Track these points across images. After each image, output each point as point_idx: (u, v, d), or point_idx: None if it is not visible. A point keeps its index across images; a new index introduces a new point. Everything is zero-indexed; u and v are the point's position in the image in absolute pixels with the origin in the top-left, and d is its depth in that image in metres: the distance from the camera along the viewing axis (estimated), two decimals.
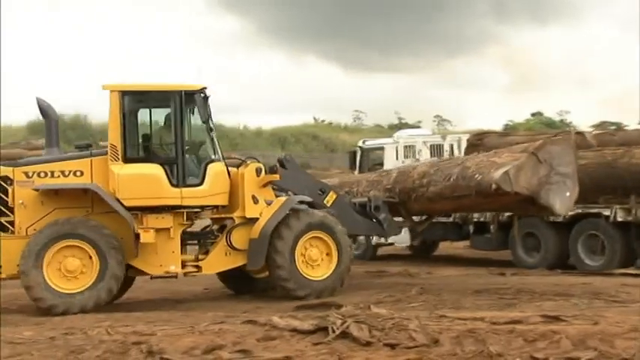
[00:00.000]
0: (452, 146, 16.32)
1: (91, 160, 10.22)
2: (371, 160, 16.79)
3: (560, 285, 10.15)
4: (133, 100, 10.44)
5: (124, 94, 10.26)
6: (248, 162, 10.90)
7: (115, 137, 10.15)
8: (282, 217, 10.36)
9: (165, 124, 10.57)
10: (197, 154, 10.55)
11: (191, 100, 10.31)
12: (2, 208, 9.90)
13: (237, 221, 10.54)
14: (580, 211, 12.68)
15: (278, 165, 11.14)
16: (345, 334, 6.68)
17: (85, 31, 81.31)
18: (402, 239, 15.61)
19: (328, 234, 10.51)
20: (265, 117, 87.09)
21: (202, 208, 10.63)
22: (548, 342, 6.43)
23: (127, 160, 10.13)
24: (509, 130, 32.56)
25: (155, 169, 10.13)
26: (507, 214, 14.00)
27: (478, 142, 15.11)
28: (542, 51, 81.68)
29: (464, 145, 15.68)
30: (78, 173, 10.15)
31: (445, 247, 16.74)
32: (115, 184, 9.93)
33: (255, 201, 10.53)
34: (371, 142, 17.47)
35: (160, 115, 10.75)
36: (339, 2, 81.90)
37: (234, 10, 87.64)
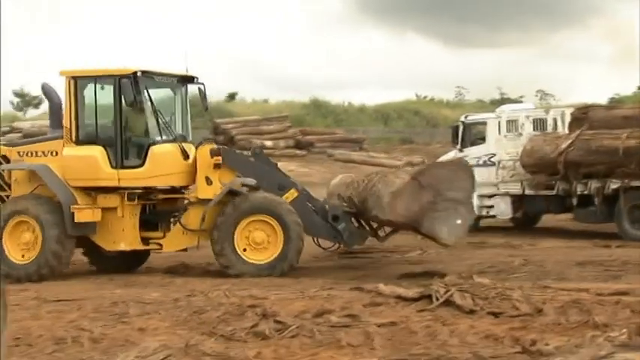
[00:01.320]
0: (555, 120, 15.75)
1: (63, 142, 10.41)
2: (473, 135, 16.45)
3: None
4: (81, 84, 10.41)
5: (73, 78, 10.36)
6: (204, 143, 10.64)
7: (67, 120, 10.35)
8: (221, 199, 10.03)
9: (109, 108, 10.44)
10: (142, 137, 10.38)
11: (133, 84, 10.05)
12: (2, 184, 10.57)
13: (192, 201, 10.33)
14: None
15: (251, 153, 11.00)
16: (448, 302, 6.66)
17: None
18: (503, 212, 15.32)
19: (271, 216, 9.90)
20: (369, 94, 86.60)
21: (145, 189, 10.28)
22: None
23: (78, 142, 10.29)
24: (615, 103, 31.08)
25: (96, 152, 10.16)
26: (613, 186, 13.48)
27: (583, 115, 14.51)
28: None
29: (567, 119, 15.12)
30: (54, 153, 10.46)
31: (548, 220, 16.26)
32: (61, 165, 10.22)
33: (209, 182, 10.18)
34: (473, 117, 17.09)
35: (107, 99, 10.52)
36: None
37: None
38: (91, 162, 10.10)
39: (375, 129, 39.72)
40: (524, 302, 6.62)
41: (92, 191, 10.24)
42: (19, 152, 10.65)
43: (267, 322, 6.18)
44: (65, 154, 10.29)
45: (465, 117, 17.01)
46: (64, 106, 10.49)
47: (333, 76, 74.23)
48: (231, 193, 10.07)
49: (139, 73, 10.05)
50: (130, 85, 9.95)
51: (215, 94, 41.30)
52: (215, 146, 10.42)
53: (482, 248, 12.71)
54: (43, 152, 10.51)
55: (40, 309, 7.28)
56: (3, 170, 10.56)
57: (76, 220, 9.91)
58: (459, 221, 8.39)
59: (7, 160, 10.63)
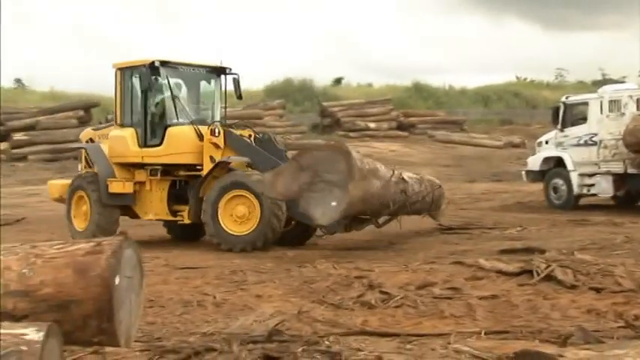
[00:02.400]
0: None
1: (114, 126, 11.25)
2: (574, 115, 15.90)
3: None
4: (123, 74, 11.01)
5: (119, 69, 11.02)
6: (213, 125, 10.69)
7: (115, 106, 11.15)
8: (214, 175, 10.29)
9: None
10: (161, 120, 10.77)
11: (152, 72, 10.52)
12: (90, 161, 11.41)
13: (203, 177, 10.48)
14: None
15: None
16: (549, 277, 6.51)
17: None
18: (605, 190, 14.79)
19: (249, 192, 9.88)
20: (469, 77, 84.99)
21: (164, 165, 10.66)
22: None
23: (122, 125, 10.98)
24: None
25: (128, 133, 10.77)
26: None
27: None
28: None
29: None
30: (108, 135, 11.16)
31: None
32: (108, 145, 10.97)
33: (212, 160, 10.33)
34: (574, 98, 16.48)
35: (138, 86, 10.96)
36: None
37: None
38: (123, 142, 10.76)
39: (475, 111, 38.92)
40: (627, 278, 6.38)
41: (130, 167, 10.90)
42: (98, 136, 11.69)
43: (372, 293, 6.22)
44: (111, 135, 11.06)
45: (566, 98, 16.45)
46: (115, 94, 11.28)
47: (433, 60, 73.32)
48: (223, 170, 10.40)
49: (156, 63, 10.55)
50: (147, 74, 10.49)
51: (323, 79, 41.79)
52: (215, 127, 10.51)
53: (583, 225, 12.26)
54: (107, 135, 11.33)
55: (170, 275, 7.59)
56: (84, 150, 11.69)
57: (109, 191, 10.66)
58: (334, 203, 7.94)
59: (93, 142, 11.66)
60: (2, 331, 2.81)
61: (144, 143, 10.72)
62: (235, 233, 9.89)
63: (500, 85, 43.75)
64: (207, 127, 10.61)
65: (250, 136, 10.83)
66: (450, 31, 78.69)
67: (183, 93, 11.18)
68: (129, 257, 3.43)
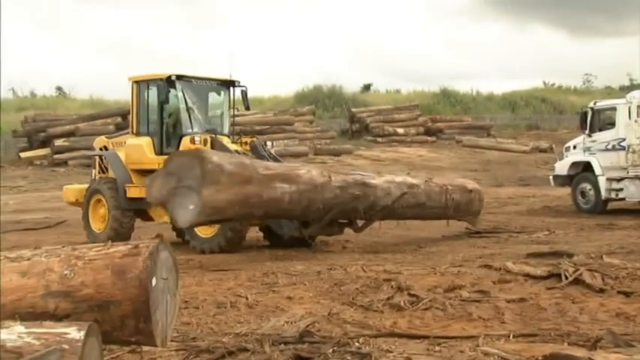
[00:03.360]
0: None
1: (130, 135, 11.55)
2: (601, 120, 15.68)
3: None
4: (139, 87, 11.38)
5: (135, 82, 11.41)
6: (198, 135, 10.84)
7: (131, 116, 11.52)
8: None
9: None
10: (176, 130, 11.06)
11: (169, 85, 10.82)
12: (105, 167, 11.80)
13: None
14: None
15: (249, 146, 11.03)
16: (577, 281, 6.42)
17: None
18: (633, 194, 14.56)
19: None
20: (496, 82, 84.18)
21: None
22: None
23: (138, 134, 11.31)
24: None
25: (144, 141, 11.11)
26: None
27: None
28: None
29: None
30: (125, 143, 11.45)
31: None
32: (125, 152, 11.27)
33: None
34: (602, 103, 16.26)
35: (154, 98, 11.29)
36: None
37: None
38: (140, 149, 11.07)
39: (502, 116, 38.58)
40: None
41: (146, 173, 10.93)
42: (112, 143, 11.99)
43: (401, 295, 6.18)
44: (127, 143, 11.37)
45: (594, 103, 16.23)
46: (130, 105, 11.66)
47: (461, 66, 72.88)
48: None
49: (172, 77, 10.91)
50: (164, 87, 10.82)
51: (352, 86, 41.79)
52: (206, 137, 10.69)
53: (611, 230, 12.07)
54: (122, 142, 11.66)
55: (204, 277, 7.63)
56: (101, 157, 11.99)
57: (127, 196, 11.02)
58: (191, 207, 7.89)
59: (107, 149, 11.97)
60: (45, 330, 2.85)
61: (160, 151, 11.00)
62: (203, 236, 10.08)
63: (527, 90, 43.32)
64: (223, 136, 11.00)
65: (246, 143, 11.11)
66: (476, 38, 78.28)
67: (196, 104, 11.46)
68: (165, 259, 3.46)
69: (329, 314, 5.64)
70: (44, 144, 28.72)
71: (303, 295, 6.49)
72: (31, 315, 3.17)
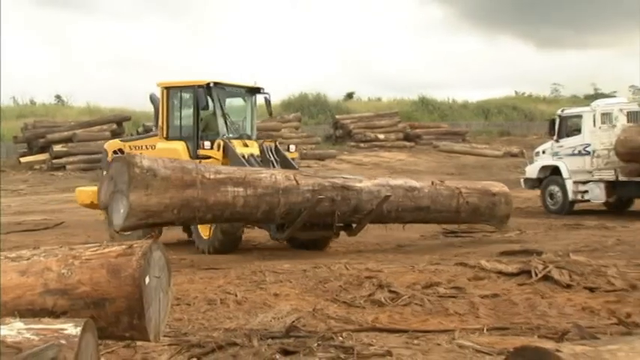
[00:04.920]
0: None
1: (158, 138, 11.32)
2: (568, 127, 15.79)
3: None
4: (171, 93, 11.18)
5: (166, 88, 11.16)
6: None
7: (161, 121, 11.21)
8: None
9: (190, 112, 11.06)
10: (212, 134, 10.88)
11: (207, 92, 10.66)
12: None
13: None
14: None
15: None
16: (546, 278, 6.45)
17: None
18: (597, 196, 14.68)
19: None
20: (471, 92, 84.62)
21: None
22: None
23: (168, 138, 11.10)
24: None
25: (179, 145, 10.86)
26: None
27: None
28: None
29: None
30: (152, 147, 11.23)
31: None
32: (155, 156, 10.59)
33: None
34: (569, 111, 16.38)
35: (188, 104, 11.16)
36: None
37: None
38: (175, 153, 10.67)
39: (476, 123, 38.77)
40: (618, 278, 6.32)
41: None
42: (129, 146, 11.70)
43: (382, 292, 6.19)
44: (158, 147, 11.06)
45: (562, 111, 16.37)
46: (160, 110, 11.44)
47: (438, 76, 73.13)
48: None
49: (211, 84, 10.76)
50: (204, 93, 10.66)
51: (335, 94, 41.78)
52: (218, 141, 10.52)
53: (577, 229, 12.16)
54: (146, 146, 11.40)
55: (195, 275, 7.59)
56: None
57: None
58: (121, 210, 7.64)
59: (122, 153, 11.55)
60: (43, 326, 2.82)
61: (195, 155, 10.75)
62: (204, 237, 9.98)
63: (499, 99, 43.58)
64: (252, 141, 10.88)
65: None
66: (452, 50, 78.63)
67: (229, 110, 11.40)
68: (157, 258, 3.44)
69: (314, 310, 5.64)
70: (43, 149, 28.49)
71: (289, 292, 6.47)
72: (30, 312, 3.14)
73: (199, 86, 10.73)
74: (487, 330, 4.94)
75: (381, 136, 33.20)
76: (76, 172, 26.93)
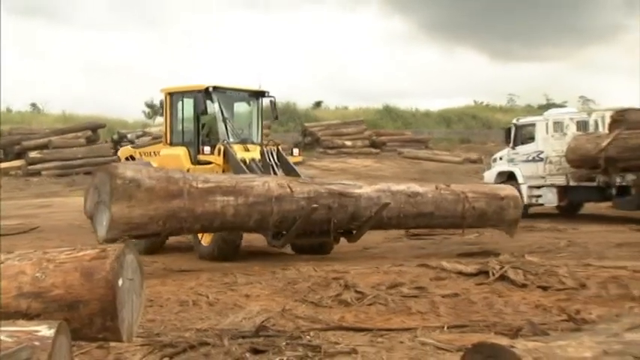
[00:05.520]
0: (596, 122, 15.17)
1: (163, 144, 10.97)
2: (523, 135, 16.05)
3: None
4: (173, 98, 10.75)
5: (169, 94, 10.75)
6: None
7: (164, 127, 10.84)
8: None
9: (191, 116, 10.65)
10: (213, 139, 10.38)
11: (206, 96, 10.22)
12: None
13: None
14: None
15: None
16: (502, 277, 6.53)
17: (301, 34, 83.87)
18: (550, 200, 14.93)
19: None
20: (433, 101, 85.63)
21: None
22: None
23: (172, 144, 10.69)
24: None
25: (180, 151, 10.44)
26: None
27: (620, 117, 13.95)
28: None
29: (607, 121, 14.53)
30: (157, 153, 10.92)
31: (589, 208, 15.67)
32: (159, 162, 10.43)
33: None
34: (524, 120, 16.65)
35: (189, 109, 10.74)
36: (485, 1, 78.75)
37: (400, 11, 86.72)
38: (176, 159, 10.35)
39: (438, 130, 39.16)
40: (569, 278, 6.43)
41: None
42: (139, 153, 11.34)
43: (348, 292, 6.20)
44: (162, 153, 10.73)
45: (517, 120, 16.63)
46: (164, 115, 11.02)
47: (401, 86, 73.77)
48: None
49: (210, 88, 10.28)
50: (202, 98, 10.23)
51: (304, 103, 41.83)
52: (220, 146, 10.06)
53: (532, 232, 12.35)
54: (152, 152, 11.08)
55: (168, 277, 7.51)
56: None
57: None
58: (104, 222, 7.16)
59: (134, 159, 11.27)
60: (17, 328, 2.77)
61: (196, 160, 10.32)
62: (204, 244, 9.50)
63: (459, 108, 44.13)
64: (255, 145, 10.40)
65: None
66: (415, 61, 79.46)
67: (230, 114, 10.85)
68: (130, 261, 3.40)
69: (283, 310, 5.62)
70: (19, 156, 27.92)
71: (259, 293, 6.45)
72: (4, 315, 3.07)
73: (198, 91, 10.37)
74: (447, 328, 4.99)
75: (348, 143, 33.31)
76: (51, 177, 26.47)
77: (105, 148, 29.02)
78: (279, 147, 10.68)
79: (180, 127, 10.78)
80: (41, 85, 63.39)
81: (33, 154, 27.44)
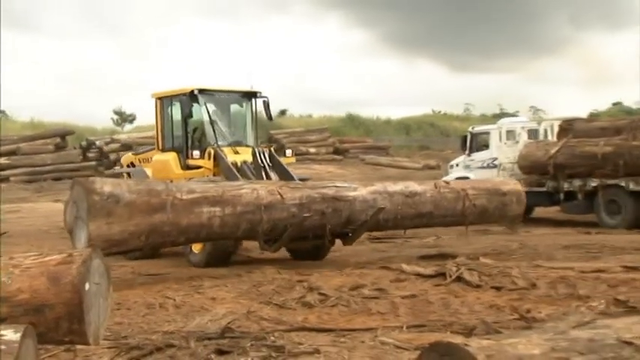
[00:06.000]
0: (546, 130, 15.54)
1: (155, 150, 10.57)
2: (478, 143, 16.34)
3: (637, 242, 9.41)
4: (163, 103, 10.34)
5: (159, 99, 10.33)
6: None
7: (156, 132, 10.43)
8: None
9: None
10: (201, 143, 9.95)
11: (192, 100, 9.75)
12: None
13: None
14: None
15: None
16: (459, 279, 6.60)
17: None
18: None
19: None
20: (393, 109, 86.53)
21: None
22: (629, 287, 6.06)
23: (163, 149, 10.27)
24: (594, 117, 30.42)
25: (170, 156, 10.00)
26: (593, 184, 13.31)
27: (568, 126, 14.35)
28: (613, 52, 76.33)
29: (556, 129, 14.89)
30: (151, 159, 10.54)
31: (539, 212, 15.98)
32: (152, 168, 10.16)
33: None
34: (479, 128, 16.96)
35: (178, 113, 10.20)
36: (443, 15, 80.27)
37: (363, 24, 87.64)
38: (167, 165, 9.97)
39: (398, 138, 39.55)
40: (520, 278, 6.53)
41: None
42: (138, 159, 10.93)
43: (312, 294, 6.18)
44: (154, 159, 10.31)
45: (472, 128, 16.93)
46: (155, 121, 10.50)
47: (363, 95, 74.40)
48: None
49: (195, 91, 9.78)
50: (187, 101, 9.74)
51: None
52: (209, 149, 9.60)
53: (486, 235, 12.53)
54: (149, 159, 10.68)
55: (135, 281, 7.40)
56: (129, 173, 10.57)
57: None
58: (82, 240, 6.51)
59: (134, 166, 10.86)
60: None
61: (186, 166, 9.86)
62: (195, 251, 9.05)
63: (418, 116, 44.67)
64: (245, 147, 9.86)
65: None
66: (376, 71, 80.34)
67: (219, 117, 10.26)
68: (97, 266, 3.34)
69: (248, 312, 5.58)
70: None
71: (225, 295, 6.39)
72: None
73: (183, 94, 9.86)
74: (406, 327, 5.01)
75: (312, 150, 33.37)
76: (20, 184, 25.84)
77: (73, 155, 28.56)
78: (272, 148, 10.19)
79: (171, 132, 10.30)
80: (9, 92, 61.89)
81: (1, 161, 26.76)
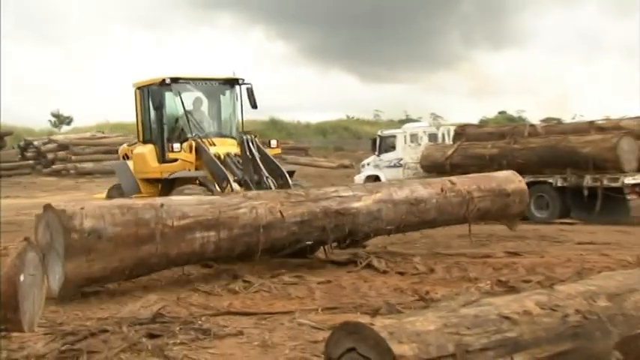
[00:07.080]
0: (444, 134, 16.19)
1: (138, 142, 9.44)
2: (386, 145, 16.76)
3: (518, 231, 9.85)
4: (142, 93, 9.10)
5: (138, 88, 9.12)
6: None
7: (136, 124, 9.31)
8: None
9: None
10: (179, 135, 8.83)
11: (163, 89, 8.63)
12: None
13: None
14: (533, 179, 12.38)
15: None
16: (369, 265, 6.76)
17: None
18: None
19: None
20: (311, 114, 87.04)
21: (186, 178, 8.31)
22: (510, 270, 6.44)
23: (144, 142, 9.12)
24: (483, 123, 31.99)
25: (147, 149, 8.90)
26: None
27: (461, 131, 15.00)
28: (497, 67, 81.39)
29: (452, 133, 15.54)
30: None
31: None
32: (133, 161, 9.24)
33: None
34: (386, 132, 17.42)
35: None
36: (355, 31, 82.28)
37: (283, 37, 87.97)
38: (144, 158, 8.90)
39: (316, 140, 39.87)
40: (421, 264, 6.78)
41: (152, 182, 8.86)
42: (130, 150, 9.54)
43: (237, 282, 6.15)
44: (135, 152, 9.21)
45: (381, 132, 17.38)
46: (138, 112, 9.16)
47: (285, 101, 74.39)
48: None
49: (167, 80, 8.57)
50: (157, 91, 8.60)
51: None
52: (190, 142, 8.54)
53: None
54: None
55: None
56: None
57: None
58: (57, 276, 5.30)
59: (128, 158, 9.55)
60: None
61: (163, 159, 8.71)
62: None
63: (334, 121, 45.23)
64: (226, 138, 8.76)
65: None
66: (296, 79, 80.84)
67: (197, 107, 9.09)
68: (32, 258, 3.23)
69: (178, 299, 5.50)
70: None
71: (156, 284, 6.25)
72: None
73: (153, 84, 8.67)
74: (321, 310, 5.08)
75: None
76: None
77: (12, 154, 27.27)
78: (256, 138, 8.74)
79: (149, 124, 9.04)
80: None
81: None
